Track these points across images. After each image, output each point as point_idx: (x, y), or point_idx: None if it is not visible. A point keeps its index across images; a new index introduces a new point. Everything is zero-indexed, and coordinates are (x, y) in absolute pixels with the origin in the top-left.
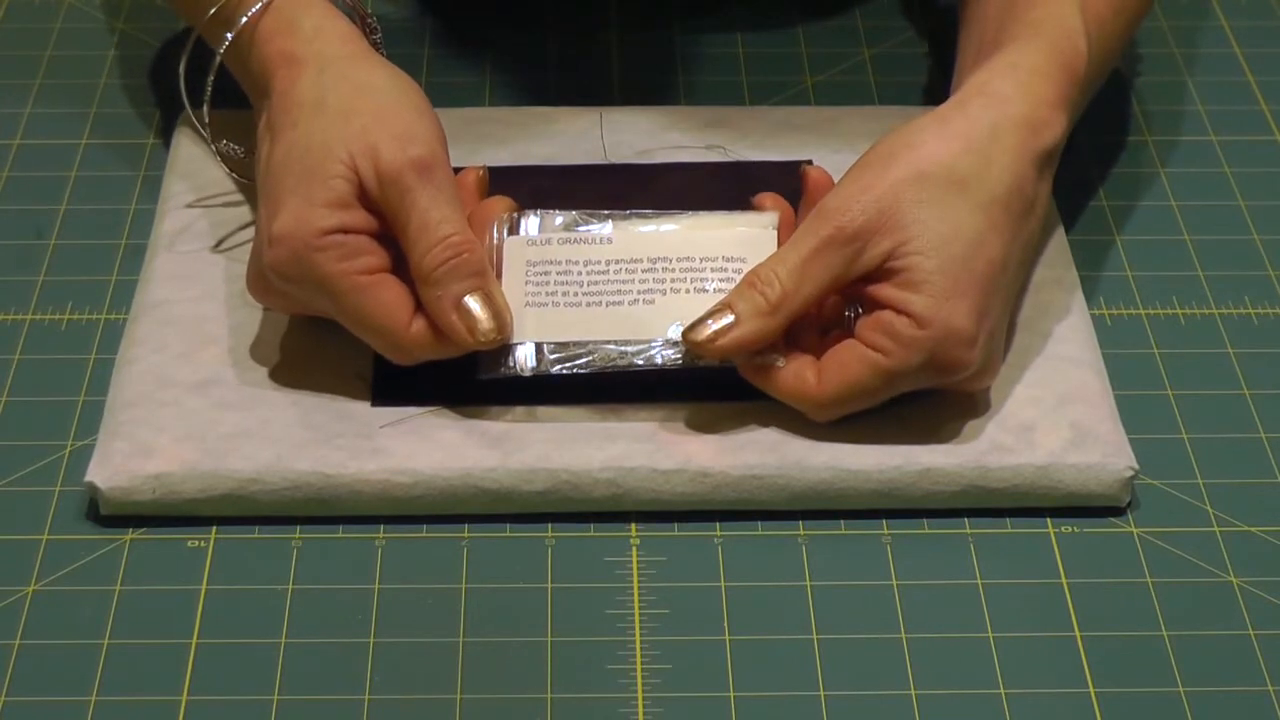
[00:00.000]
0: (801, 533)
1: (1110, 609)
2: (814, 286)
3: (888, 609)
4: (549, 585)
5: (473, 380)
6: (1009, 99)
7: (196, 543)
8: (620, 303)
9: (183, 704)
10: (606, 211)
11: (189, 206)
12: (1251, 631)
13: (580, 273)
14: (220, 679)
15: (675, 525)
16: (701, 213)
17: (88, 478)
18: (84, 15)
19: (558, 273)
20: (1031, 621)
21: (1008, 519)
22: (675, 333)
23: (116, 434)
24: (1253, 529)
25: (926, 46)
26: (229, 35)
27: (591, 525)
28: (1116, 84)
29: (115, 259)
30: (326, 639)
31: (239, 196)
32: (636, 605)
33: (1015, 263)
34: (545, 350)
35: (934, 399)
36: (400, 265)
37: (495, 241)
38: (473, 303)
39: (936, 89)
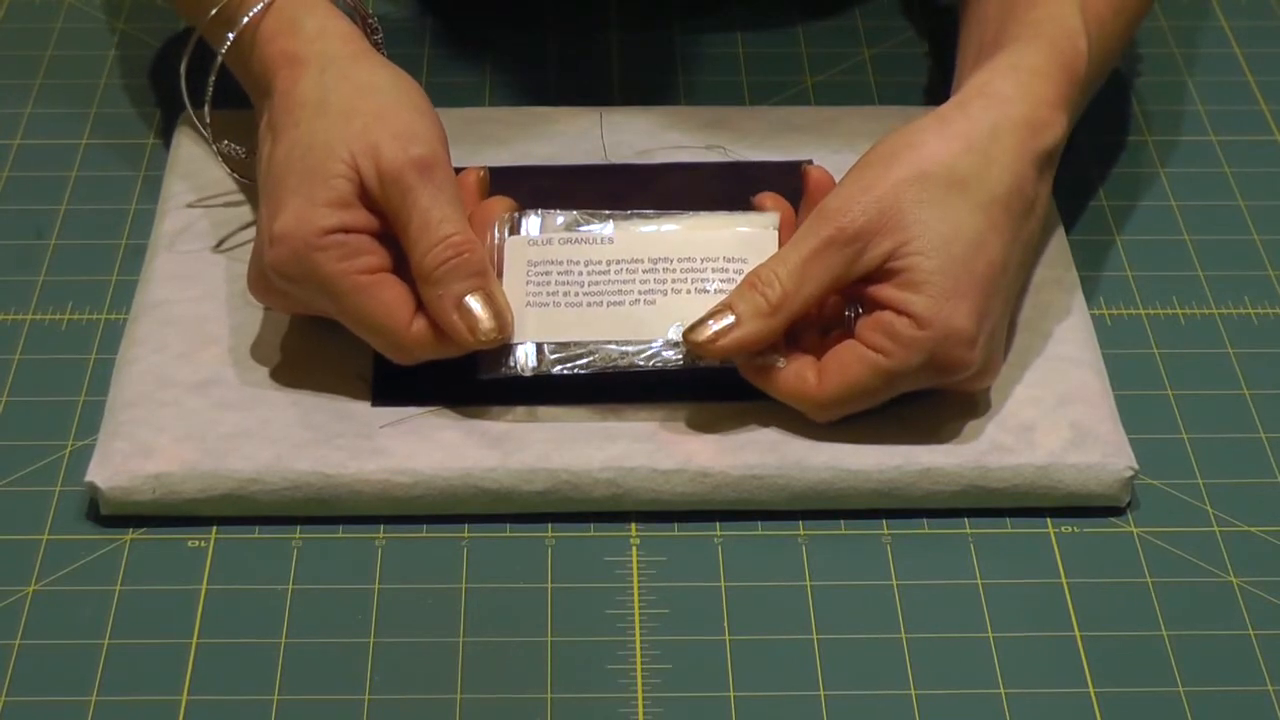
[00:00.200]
0: (801, 533)
1: (1110, 609)
2: (815, 287)
3: (888, 609)
4: (549, 585)
5: (473, 380)
6: (1009, 99)
7: (196, 543)
8: (621, 303)
9: (183, 704)
10: (607, 212)
11: (189, 206)
12: (1251, 631)
13: (581, 273)
14: (220, 679)
15: (675, 525)
16: (702, 213)
17: (88, 478)
18: (84, 15)
19: (559, 273)
20: (1031, 621)
21: (1008, 519)
22: (676, 333)
23: (117, 434)
24: (1253, 529)
25: (926, 46)
26: (230, 35)
27: (591, 525)
28: (1116, 84)
29: (115, 259)
30: (326, 639)
31: (240, 196)
32: (636, 605)
33: (1015, 263)
34: (546, 350)
35: (934, 399)
36: (401, 265)
37: (496, 241)
38: (474, 302)
39: (936, 89)
